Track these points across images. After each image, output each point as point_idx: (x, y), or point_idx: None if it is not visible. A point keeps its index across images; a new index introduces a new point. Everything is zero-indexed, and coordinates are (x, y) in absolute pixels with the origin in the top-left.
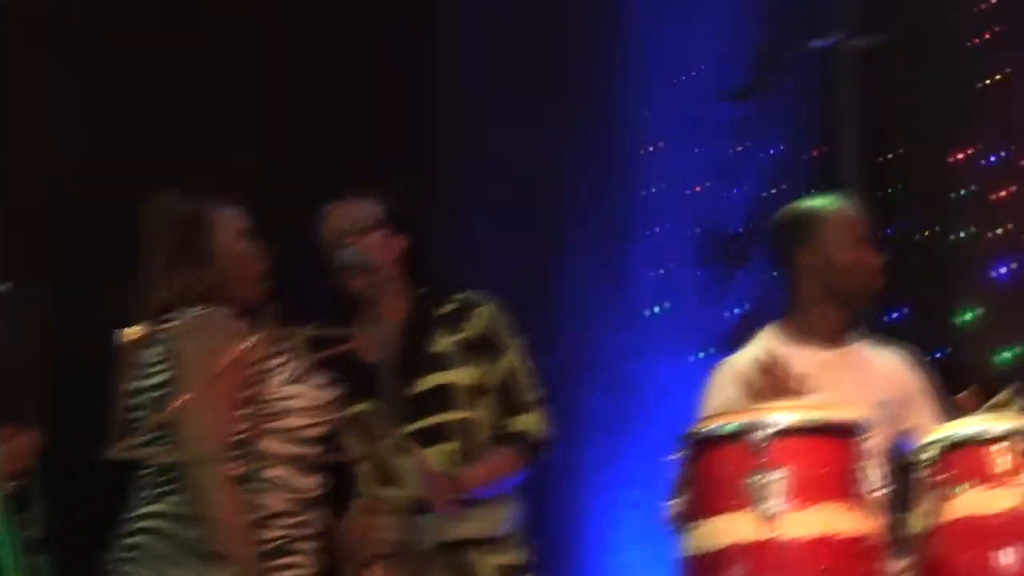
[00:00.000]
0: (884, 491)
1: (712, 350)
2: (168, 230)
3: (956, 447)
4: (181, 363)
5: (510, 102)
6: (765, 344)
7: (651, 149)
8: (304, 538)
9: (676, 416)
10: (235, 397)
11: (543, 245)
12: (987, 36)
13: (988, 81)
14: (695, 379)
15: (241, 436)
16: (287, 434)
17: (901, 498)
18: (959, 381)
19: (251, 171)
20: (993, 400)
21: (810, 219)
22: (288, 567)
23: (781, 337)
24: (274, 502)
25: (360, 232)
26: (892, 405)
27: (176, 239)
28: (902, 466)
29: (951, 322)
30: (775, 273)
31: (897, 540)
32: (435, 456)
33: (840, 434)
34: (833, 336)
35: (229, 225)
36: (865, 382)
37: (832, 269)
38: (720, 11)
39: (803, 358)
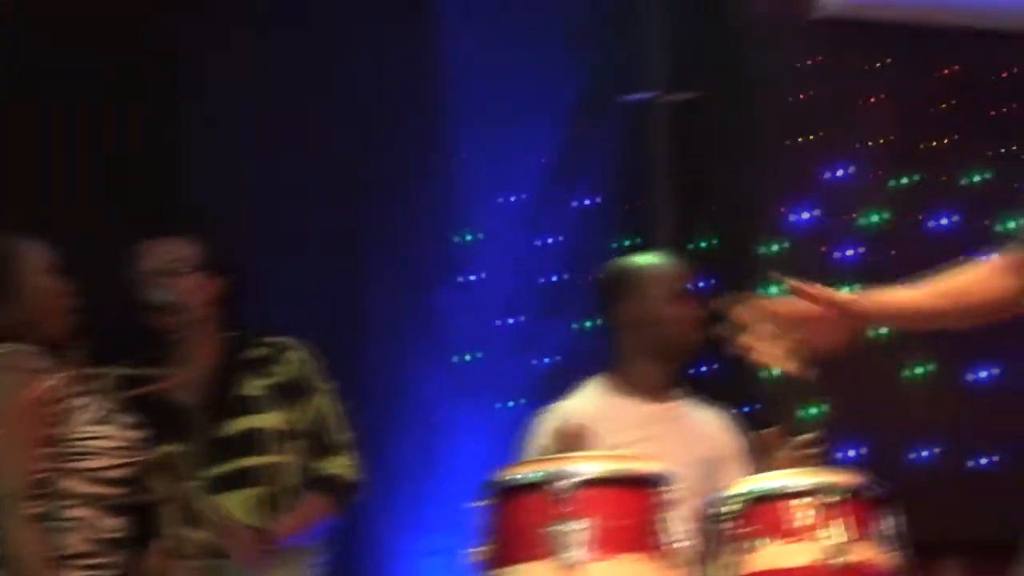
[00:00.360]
0: (687, 544)
1: (522, 399)
2: None
3: (759, 501)
4: None
5: None
6: (591, 395)
7: (466, 196)
8: None
9: (484, 463)
10: (37, 436)
11: (356, 290)
12: (801, 96)
13: (800, 139)
14: (504, 427)
15: (42, 475)
16: (90, 474)
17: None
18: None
19: (61, 206)
20: (799, 440)
21: (630, 275)
22: None
23: (606, 389)
24: (76, 542)
25: (173, 272)
26: (709, 464)
27: None
28: (711, 515)
29: (760, 377)
30: (593, 325)
31: None
32: (242, 501)
33: (642, 485)
34: (656, 391)
35: (35, 261)
36: (685, 439)
37: (651, 325)
38: (536, 62)
39: (627, 411)
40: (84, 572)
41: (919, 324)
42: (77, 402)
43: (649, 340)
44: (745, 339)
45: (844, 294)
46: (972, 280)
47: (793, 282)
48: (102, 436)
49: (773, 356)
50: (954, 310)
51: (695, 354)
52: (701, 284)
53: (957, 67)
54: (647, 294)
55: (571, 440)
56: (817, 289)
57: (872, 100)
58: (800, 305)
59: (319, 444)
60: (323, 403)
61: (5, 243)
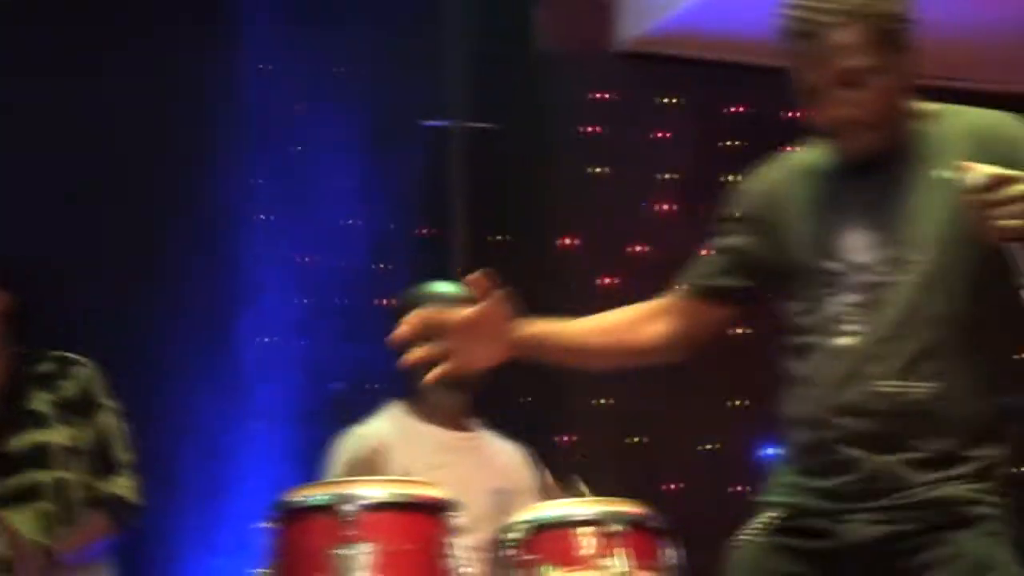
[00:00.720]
0: (470, 570)
1: (314, 422)
2: None
3: (543, 529)
4: None
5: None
6: (389, 420)
7: (262, 218)
8: None
9: (274, 486)
10: None
11: (147, 310)
12: (596, 129)
13: (597, 170)
14: (293, 449)
15: None
16: None
17: None
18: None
19: None
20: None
21: (420, 306)
22: None
23: (405, 415)
24: None
25: None
26: (502, 495)
27: None
28: (499, 542)
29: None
30: (389, 350)
31: None
32: (29, 516)
33: (427, 511)
34: (454, 419)
35: None
36: (482, 468)
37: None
38: (337, 87)
39: (423, 438)
40: None
41: (582, 360)
42: None
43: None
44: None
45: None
46: (636, 320)
47: (475, 277)
48: None
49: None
50: (617, 349)
51: (486, 384)
52: None
53: (746, 105)
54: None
55: (363, 465)
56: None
57: (664, 135)
58: (463, 316)
59: (102, 462)
60: (108, 421)
61: None
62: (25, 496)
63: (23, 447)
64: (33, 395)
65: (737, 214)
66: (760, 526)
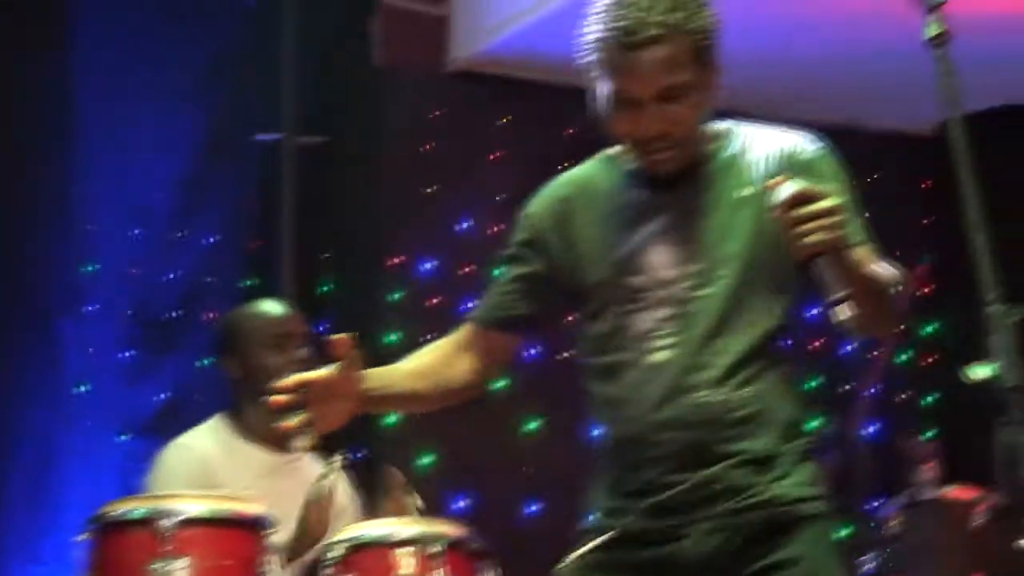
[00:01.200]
0: None
1: (136, 433)
2: None
3: (361, 548)
4: None
5: None
6: (211, 435)
7: (89, 228)
8: None
9: (94, 497)
10: None
11: None
12: (428, 148)
13: (428, 190)
14: (116, 461)
15: None
16: None
17: None
18: (377, 482)
19: None
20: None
21: (235, 328)
22: None
23: (227, 431)
24: None
25: None
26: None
27: None
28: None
29: (374, 424)
30: (212, 362)
31: None
32: None
33: (245, 527)
34: (276, 440)
35: None
36: (303, 489)
37: (255, 374)
38: (168, 96)
39: (245, 456)
40: None
41: (412, 407)
42: None
43: (256, 390)
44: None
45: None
46: (440, 360)
47: (339, 338)
48: None
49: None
50: (437, 392)
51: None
52: (320, 329)
53: (577, 126)
54: (249, 344)
55: (187, 478)
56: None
57: (496, 155)
58: (325, 378)
59: None
60: None
61: None
62: None
63: None
64: None
65: (526, 237)
66: (590, 546)
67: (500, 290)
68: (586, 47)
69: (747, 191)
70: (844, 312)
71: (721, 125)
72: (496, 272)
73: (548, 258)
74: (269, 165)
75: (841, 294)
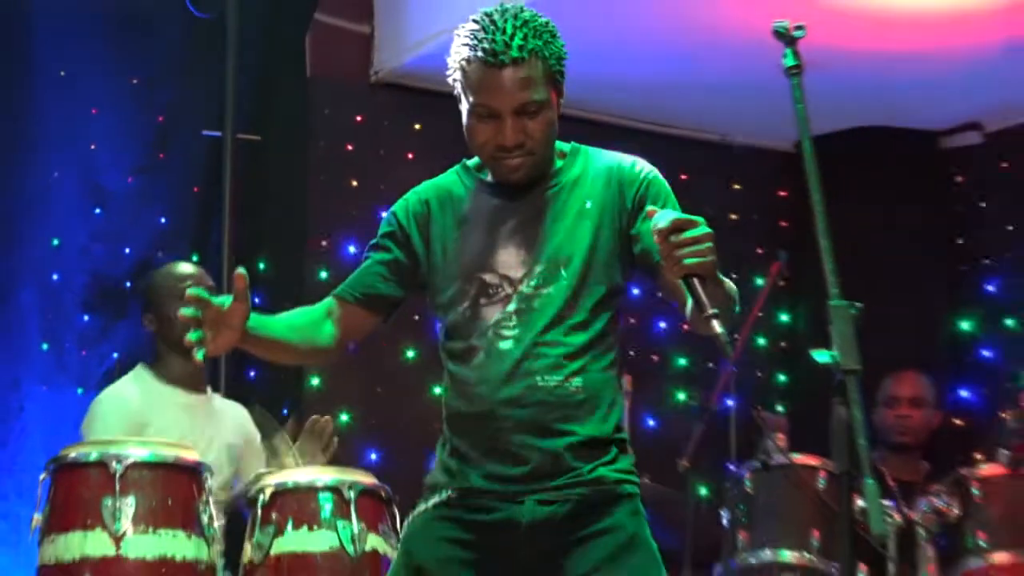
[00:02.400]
0: (218, 523)
1: (90, 387)
2: None
3: (288, 491)
4: None
5: None
6: (136, 383)
7: (52, 208)
8: None
9: (54, 443)
10: None
11: None
12: (350, 147)
13: (351, 184)
14: (73, 411)
15: None
16: None
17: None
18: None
19: None
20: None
21: (149, 287)
22: None
23: (153, 377)
24: None
25: None
26: (236, 448)
27: None
28: (249, 499)
29: (301, 385)
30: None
31: (235, 566)
32: None
33: (186, 471)
34: (192, 383)
35: None
36: (216, 425)
37: (166, 326)
38: (124, 96)
39: (167, 399)
40: None
41: (277, 355)
42: None
43: (169, 339)
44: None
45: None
46: (310, 322)
47: (237, 273)
48: None
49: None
50: (304, 348)
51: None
52: (256, 301)
53: None
54: (161, 298)
55: (119, 422)
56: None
57: (410, 155)
58: (219, 303)
59: None
60: None
61: None
62: None
63: None
64: None
65: (391, 230)
66: (432, 503)
67: (364, 272)
68: (454, 66)
69: (588, 204)
70: (718, 326)
71: (568, 145)
72: (365, 258)
73: (409, 251)
74: (213, 157)
75: (714, 311)
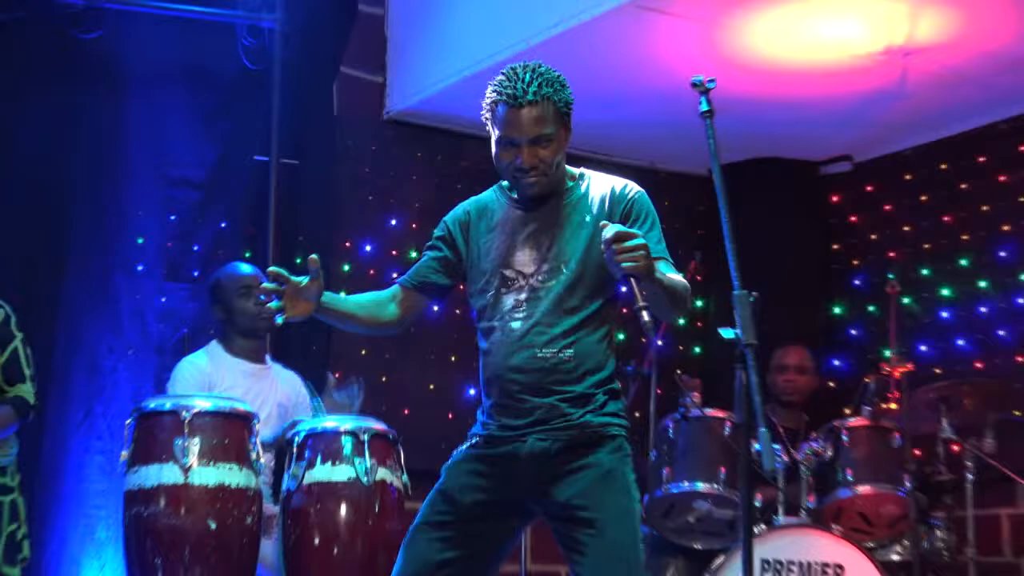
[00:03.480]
0: (265, 459)
1: (165, 353)
2: None
3: (317, 434)
4: None
5: None
6: (211, 353)
7: (139, 213)
8: None
9: (139, 396)
10: None
11: (52, 271)
12: (367, 170)
13: (368, 198)
14: (152, 370)
15: None
16: None
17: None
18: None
19: None
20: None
21: (217, 285)
22: None
23: (221, 351)
24: None
25: None
26: (285, 405)
27: None
28: (288, 440)
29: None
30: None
31: (276, 491)
32: None
33: (239, 419)
34: (252, 356)
35: None
36: (272, 388)
37: (232, 314)
38: (191, 128)
39: (234, 368)
40: None
41: (348, 325)
42: None
43: (235, 326)
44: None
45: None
46: (376, 301)
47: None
48: None
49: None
50: (370, 321)
51: (270, 331)
52: None
53: (469, 161)
54: (226, 294)
55: (194, 383)
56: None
57: (414, 177)
58: (297, 280)
59: (10, 374)
60: (16, 347)
61: None
62: None
63: None
64: None
65: (442, 234)
66: (466, 446)
67: (421, 265)
68: (486, 107)
69: (587, 218)
70: (646, 316)
71: (577, 170)
72: (423, 255)
73: (455, 250)
74: (261, 177)
75: (643, 304)
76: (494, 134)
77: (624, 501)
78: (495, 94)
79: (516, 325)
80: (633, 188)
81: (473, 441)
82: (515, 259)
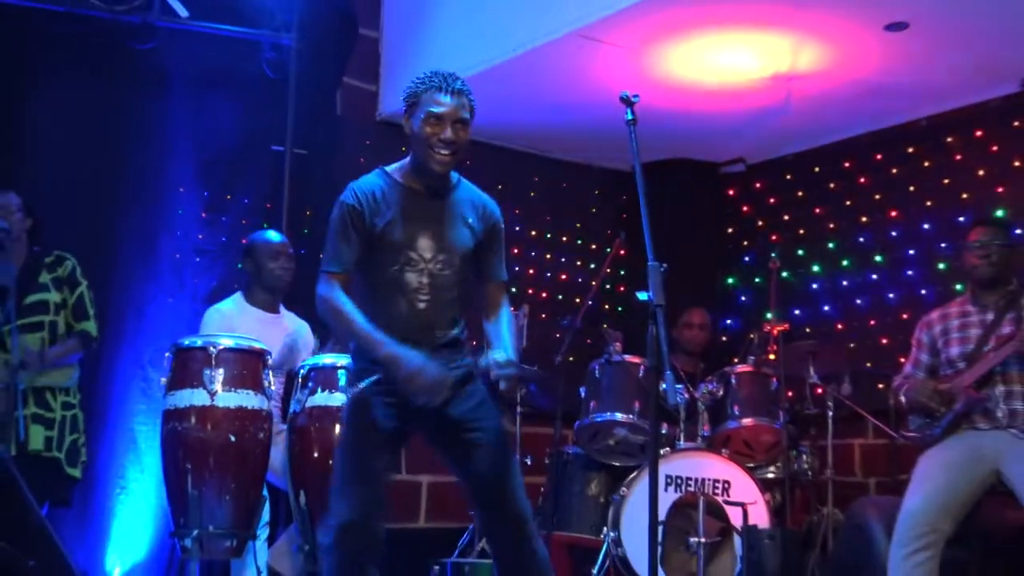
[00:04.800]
0: (276, 386)
1: (197, 300)
2: None
3: (318, 368)
4: None
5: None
6: (233, 304)
7: (180, 189)
8: None
9: (177, 335)
10: None
11: (111, 231)
12: (363, 160)
13: None
14: (188, 314)
15: None
16: None
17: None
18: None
19: None
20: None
21: (251, 246)
22: None
23: (243, 301)
24: None
25: (6, 212)
26: (290, 346)
27: None
28: (294, 372)
29: None
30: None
31: (284, 413)
32: (35, 338)
33: (255, 354)
34: (269, 306)
35: None
36: (282, 331)
37: (261, 272)
38: (218, 122)
39: (253, 315)
40: None
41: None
42: None
43: (262, 282)
44: None
45: None
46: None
47: None
48: None
49: None
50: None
51: (290, 287)
52: (303, 252)
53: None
54: (259, 255)
55: (220, 327)
56: None
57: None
58: None
59: (77, 312)
60: (82, 291)
61: None
62: (34, 328)
63: (34, 301)
64: (41, 273)
65: (355, 214)
66: (365, 386)
67: (348, 249)
68: (412, 90)
69: (470, 219)
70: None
71: (455, 174)
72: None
73: (366, 229)
74: (278, 163)
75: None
76: (419, 113)
77: (496, 414)
78: (423, 84)
79: (423, 306)
80: (497, 210)
81: (372, 383)
82: (416, 243)
